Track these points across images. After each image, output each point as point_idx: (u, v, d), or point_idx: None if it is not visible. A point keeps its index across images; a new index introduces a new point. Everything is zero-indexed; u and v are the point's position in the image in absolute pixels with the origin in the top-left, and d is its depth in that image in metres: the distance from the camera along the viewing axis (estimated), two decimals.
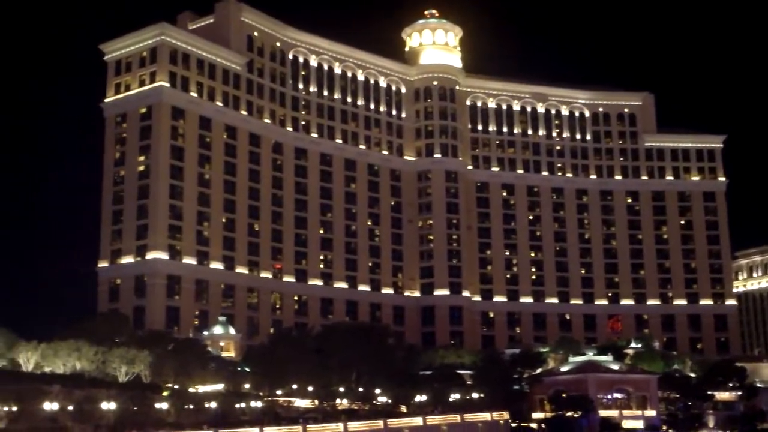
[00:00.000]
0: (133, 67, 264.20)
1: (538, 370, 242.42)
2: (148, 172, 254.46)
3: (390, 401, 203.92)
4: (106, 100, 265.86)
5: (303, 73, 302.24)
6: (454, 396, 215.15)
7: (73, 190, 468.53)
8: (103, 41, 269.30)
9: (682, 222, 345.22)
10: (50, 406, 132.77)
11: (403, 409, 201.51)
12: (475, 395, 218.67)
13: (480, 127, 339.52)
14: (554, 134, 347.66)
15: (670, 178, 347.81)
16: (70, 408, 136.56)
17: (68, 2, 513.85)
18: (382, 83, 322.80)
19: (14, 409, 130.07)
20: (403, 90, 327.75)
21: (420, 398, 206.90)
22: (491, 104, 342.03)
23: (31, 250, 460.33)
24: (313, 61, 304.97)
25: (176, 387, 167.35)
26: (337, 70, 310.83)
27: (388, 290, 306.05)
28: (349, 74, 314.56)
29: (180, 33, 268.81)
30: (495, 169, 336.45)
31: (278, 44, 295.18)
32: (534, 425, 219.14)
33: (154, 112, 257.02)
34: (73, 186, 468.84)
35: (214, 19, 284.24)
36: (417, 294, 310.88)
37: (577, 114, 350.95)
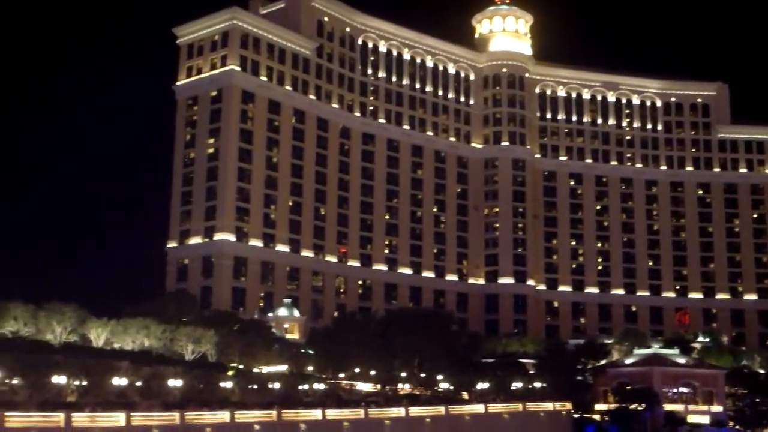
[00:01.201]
0: (205, 50, 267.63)
1: (602, 362, 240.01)
2: (218, 155, 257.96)
3: (452, 388, 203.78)
4: (177, 83, 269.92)
5: (372, 58, 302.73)
6: (516, 385, 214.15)
7: (145, 171, 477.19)
8: (175, 25, 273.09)
9: (755, 215, 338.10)
10: (119, 381, 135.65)
11: (465, 396, 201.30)
12: (537, 385, 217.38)
13: (549, 116, 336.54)
14: (624, 124, 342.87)
15: (743, 170, 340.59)
16: (138, 384, 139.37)
17: None
18: (451, 70, 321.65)
19: (84, 383, 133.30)
20: (472, 77, 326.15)
21: (482, 386, 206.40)
22: (561, 92, 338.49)
23: (102, 229, 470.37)
24: (383, 47, 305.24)
25: (241, 367, 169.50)
26: (406, 56, 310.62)
27: (452, 277, 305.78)
28: (418, 60, 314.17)
29: (251, 17, 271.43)
30: (563, 158, 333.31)
31: (348, 29, 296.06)
32: (597, 417, 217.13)
33: (224, 95, 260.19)
34: (145, 167, 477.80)
35: (285, 3, 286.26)
36: (481, 281, 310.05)
37: (648, 103, 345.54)
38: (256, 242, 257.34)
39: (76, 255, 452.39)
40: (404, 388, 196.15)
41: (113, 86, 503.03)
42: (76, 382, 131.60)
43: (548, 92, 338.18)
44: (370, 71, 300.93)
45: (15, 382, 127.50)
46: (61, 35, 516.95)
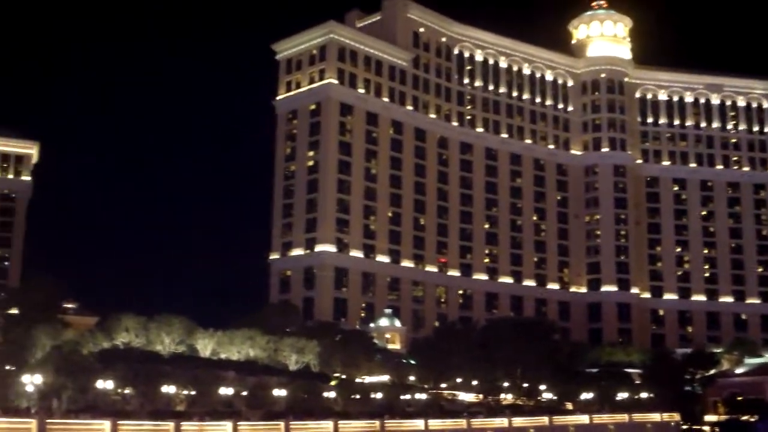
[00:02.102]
0: (303, 65, 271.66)
1: (712, 372, 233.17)
2: (317, 167, 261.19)
3: (555, 398, 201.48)
4: (277, 98, 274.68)
5: (468, 67, 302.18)
6: (622, 395, 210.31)
7: (247, 184, 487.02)
8: (275, 41, 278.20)
9: None
10: (225, 391, 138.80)
11: (569, 406, 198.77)
12: (643, 395, 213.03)
13: (650, 120, 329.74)
14: (729, 126, 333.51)
15: None
16: (244, 393, 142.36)
17: (244, 4, 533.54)
18: (549, 76, 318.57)
19: (192, 392, 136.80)
20: (570, 83, 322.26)
21: (586, 396, 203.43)
22: (662, 96, 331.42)
23: (208, 242, 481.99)
24: (479, 56, 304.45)
25: (343, 377, 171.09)
26: (503, 64, 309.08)
27: (553, 286, 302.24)
28: (515, 68, 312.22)
29: (348, 31, 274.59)
30: (666, 163, 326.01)
31: (444, 39, 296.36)
32: (706, 428, 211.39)
33: (323, 108, 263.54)
34: (247, 180, 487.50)
35: (381, 16, 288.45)
36: (583, 290, 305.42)
37: (754, 105, 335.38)
38: (357, 253, 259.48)
39: (184, 268, 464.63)
40: (507, 398, 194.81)
41: (216, 101, 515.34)
42: (185, 392, 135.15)
43: (649, 96, 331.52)
44: (466, 80, 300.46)
45: (127, 391, 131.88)
46: (167, 54, 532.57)
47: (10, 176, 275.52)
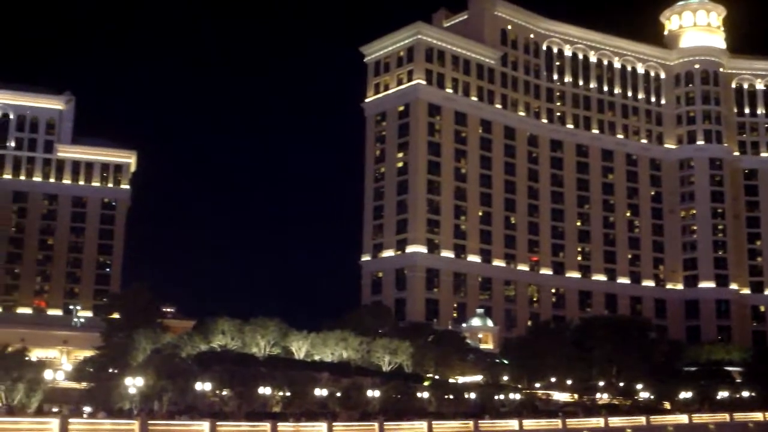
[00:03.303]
0: (391, 66, 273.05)
1: None
2: (407, 168, 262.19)
3: (652, 397, 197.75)
4: (366, 100, 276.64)
5: (557, 63, 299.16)
6: (722, 394, 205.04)
7: (338, 186, 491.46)
8: (363, 44, 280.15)
9: None
10: (320, 392, 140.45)
11: (667, 405, 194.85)
12: (745, 394, 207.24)
13: (747, 111, 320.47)
14: None
15: None
16: (338, 394, 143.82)
17: (332, 9, 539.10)
18: (640, 69, 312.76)
19: (288, 394, 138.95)
20: (662, 75, 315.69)
21: (684, 395, 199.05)
22: (760, 86, 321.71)
23: (301, 245, 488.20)
24: (568, 51, 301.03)
25: (436, 377, 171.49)
26: (593, 58, 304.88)
27: (648, 283, 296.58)
28: (605, 62, 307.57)
29: (435, 31, 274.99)
30: (765, 154, 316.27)
31: (532, 36, 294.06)
32: None
33: (411, 109, 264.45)
34: (338, 183, 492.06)
35: (468, 15, 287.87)
36: (680, 286, 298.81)
37: None
38: (448, 253, 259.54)
39: (277, 271, 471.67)
40: (602, 397, 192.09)
41: (306, 104, 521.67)
42: (280, 393, 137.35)
43: (745, 86, 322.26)
44: (555, 77, 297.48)
45: (224, 393, 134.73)
46: (258, 59, 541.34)
47: (110, 185, 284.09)
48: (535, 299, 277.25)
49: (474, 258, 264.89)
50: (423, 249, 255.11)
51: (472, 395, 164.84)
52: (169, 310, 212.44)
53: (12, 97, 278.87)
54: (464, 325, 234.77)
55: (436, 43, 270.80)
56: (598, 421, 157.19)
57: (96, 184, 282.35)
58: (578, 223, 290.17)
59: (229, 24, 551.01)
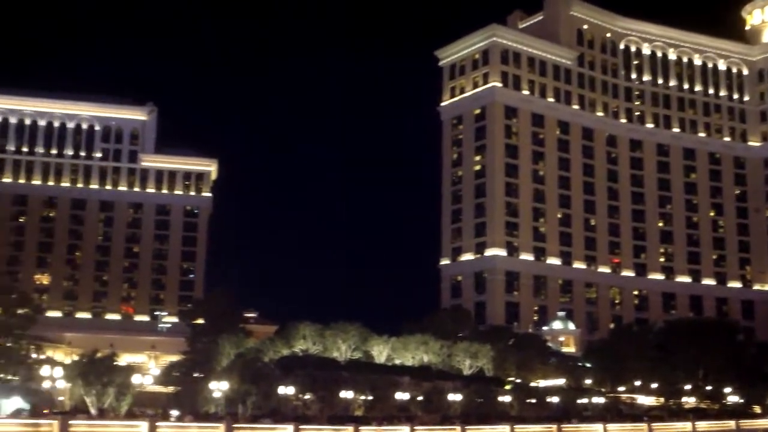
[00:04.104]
0: (467, 69, 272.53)
1: None
2: (484, 171, 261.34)
3: (741, 401, 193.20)
4: (442, 104, 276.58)
5: (635, 62, 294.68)
6: None
7: (415, 190, 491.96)
8: (437, 48, 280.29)
9: None
10: (401, 396, 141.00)
11: (757, 409, 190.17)
12: None
13: None
14: None
15: None
16: (419, 398, 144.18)
17: (406, 13, 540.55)
18: (721, 66, 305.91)
19: (369, 397, 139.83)
20: (745, 72, 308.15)
21: None
22: None
23: (379, 250, 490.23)
24: (646, 49, 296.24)
25: (518, 381, 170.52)
26: (672, 56, 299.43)
27: (735, 284, 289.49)
28: (685, 59, 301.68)
29: (510, 33, 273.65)
30: None
31: (609, 35, 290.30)
32: None
33: (488, 112, 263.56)
34: (415, 187, 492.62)
35: (544, 15, 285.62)
36: None
37: None
38: (527, 256, 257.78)
39: (356, 275, 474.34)
40: (688, 401, 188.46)
41: (382, 109, 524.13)
42: (362, 397, 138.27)
43: None
44: (634, 75, 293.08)
45: (307, 397, 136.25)
46: (334, 64, 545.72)
47: (192, 193, 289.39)
48: (617, 301, 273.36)
49: (554, 260, 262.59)
50: (502, 252, 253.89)
51: (555, 399, 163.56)
52: (251, 315, 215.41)
53: (97, 109, 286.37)
54: (545, 328, 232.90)
55: (511, 45, 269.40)
56: (685, 426, 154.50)
57: (179, 192, 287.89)
58: (660, 224, 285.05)
59: (304, 31, 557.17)
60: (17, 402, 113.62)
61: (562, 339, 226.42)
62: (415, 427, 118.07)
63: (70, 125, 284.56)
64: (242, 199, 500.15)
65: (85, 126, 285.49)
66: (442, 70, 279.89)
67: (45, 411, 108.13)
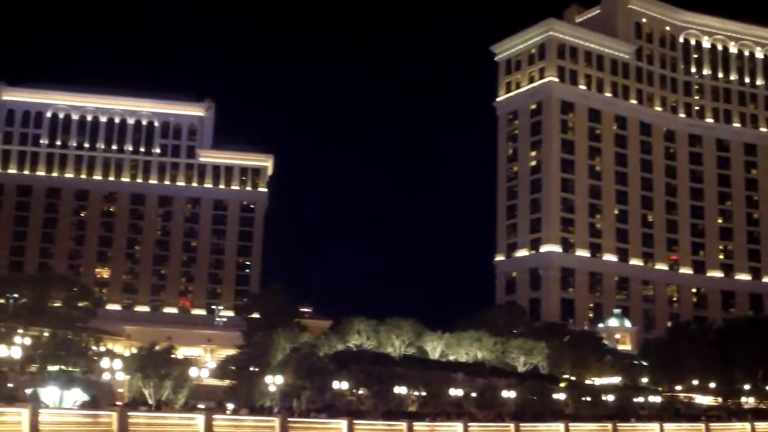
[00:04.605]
0: (523, 64, 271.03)
1: None
2: (540, 167, 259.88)
3: None
4: (498, 99, 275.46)
5: (695, 56, 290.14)
6: None
7: (470, 186, 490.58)
8: (493, 42, 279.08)
9: None
10: (455, 392, 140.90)
11: None
12: None
13: None
14: None
15: None
16: (473, 395, 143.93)
17: (461, 8, 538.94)
18: None
19: (423, 393, 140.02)
20: None
21: None
22: None
23: (434, 245, 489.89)
24: (706, 43, 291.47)
25: (573, 378, 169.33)
26: (733, 49, 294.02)
27: None
28: (746, 53, 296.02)
29: (567, 27, 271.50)
30: None
31: (668, 28, 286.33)
32: None
33: (543, 107, 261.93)
34: (470, 182, 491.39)
35: (601, 9, 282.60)
36: None
37: None
38: (583, 252, 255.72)
39: (411, 271, 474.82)
40: (748, 402, 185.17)
41: (437, 105, 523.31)
42: (416, 393, 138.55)
43: None
44: (693, 69, 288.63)
45: (361, 392, 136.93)
46: (388, 59, 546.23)
47: (249, 188, 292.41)
48: (674, 299, 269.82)
49: (610, 257, 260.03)
50: (557, 248, 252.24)
51: (610, 397, 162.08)
52: (306, 310, 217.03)
53: (157, 105, 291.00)
54: (601, 325, 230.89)
55: (568, 39, 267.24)
56: (744, 426, 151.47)
57: (235, 187, 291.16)
58: (719, 221, 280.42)
59: (360, 25, 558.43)
60: (77, 393, 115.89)
61: (618, 337, 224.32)
62: (469, 424, 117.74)
63: (131, 121, 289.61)
64: (297, 194, 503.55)
65: (144, 122, 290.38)
66: (498, 65, 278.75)
67: (117, 403, 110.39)
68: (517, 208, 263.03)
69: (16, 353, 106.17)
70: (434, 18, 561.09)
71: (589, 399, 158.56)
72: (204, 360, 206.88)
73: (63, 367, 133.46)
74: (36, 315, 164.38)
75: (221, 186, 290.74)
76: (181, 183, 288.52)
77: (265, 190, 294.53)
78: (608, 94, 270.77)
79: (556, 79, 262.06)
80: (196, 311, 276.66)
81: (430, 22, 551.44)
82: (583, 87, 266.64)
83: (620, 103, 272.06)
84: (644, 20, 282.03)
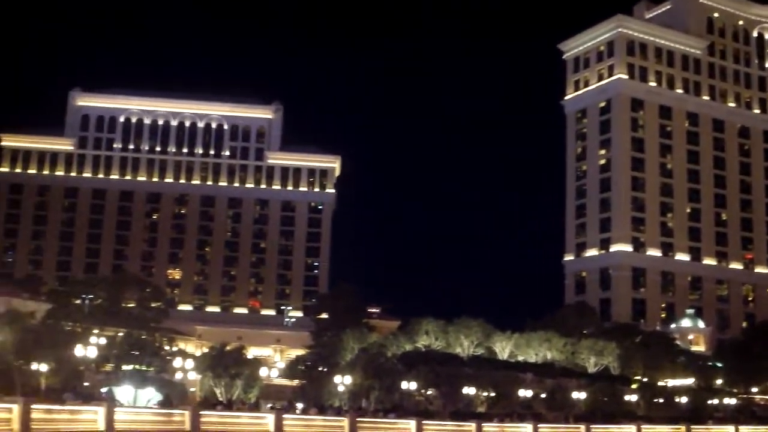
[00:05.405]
0: (591, 62, 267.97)
1: None
2: (610, 165, 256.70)
3: None
4: (566, 98, 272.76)
5: None
6: None
7: (538, 186, 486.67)
8: (560, 40, 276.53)
9: None
10: (524, 393, 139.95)
11: None
12: None
13: None
14: None
15: None
16: (543, 396, 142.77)
17: (527, 6, 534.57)
18: None
19: (492, 394, 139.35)
20: None
21: None
22: None
23: (501, 245, 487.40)
24: None
25: (645, 380, 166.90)
26: None
27: None
28: None
29: (637, 23, 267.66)
30: None
31: (741, 23, 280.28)
32: None
33: (613, 105, 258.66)
34: (538, 182, 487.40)
35: (671, 4, 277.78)
36: None
37: None
38: (654, 252, 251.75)
39: (478, 270, 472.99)
40: None
41: (503, 104, 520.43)
42: (485, 393, 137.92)
43: None
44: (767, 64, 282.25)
45: (429, 392, 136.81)
46: (456, 57, 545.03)
47: (316, 189, 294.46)
48: (750, 299, 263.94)
49: (682, 256, 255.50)
50: (628, 248, 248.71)
51: (683, 399, 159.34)
52: (374, 310, 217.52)
53: (226, 108, 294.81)
54: (673, 325, 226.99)
55: (637, 35, 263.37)
56: None
57: (303, 188, 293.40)
58: None
59: (422, 28, 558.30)
60: (151, 392, 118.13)
61: (691, 337, 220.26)
62: (539, 425, 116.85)
63: (201, 125, 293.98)
64: (365, 195, 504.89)
65: (214, 125, 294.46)
66: (566, 63, 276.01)
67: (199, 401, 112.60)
68: (587, 207, 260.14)
69: (92, 353, 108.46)
70: (499, 16, 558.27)
71: (661, 401, 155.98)
72: (273, 360, 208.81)
73: (137, 366, 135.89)
74: (111, 315, 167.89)
75: (289, 187, 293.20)
76: (250, 185, 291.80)
77: (333, 190, 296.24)
78: (679, 91, 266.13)
79: (625, 77, 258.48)
80: (265, 312, 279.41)
81: (495, 21, 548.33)
82: (653, 84, 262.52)
83: (692, 100, 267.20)
84: (716, 15, 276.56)
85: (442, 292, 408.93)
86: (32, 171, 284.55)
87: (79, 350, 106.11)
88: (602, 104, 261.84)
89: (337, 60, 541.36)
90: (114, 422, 74.38)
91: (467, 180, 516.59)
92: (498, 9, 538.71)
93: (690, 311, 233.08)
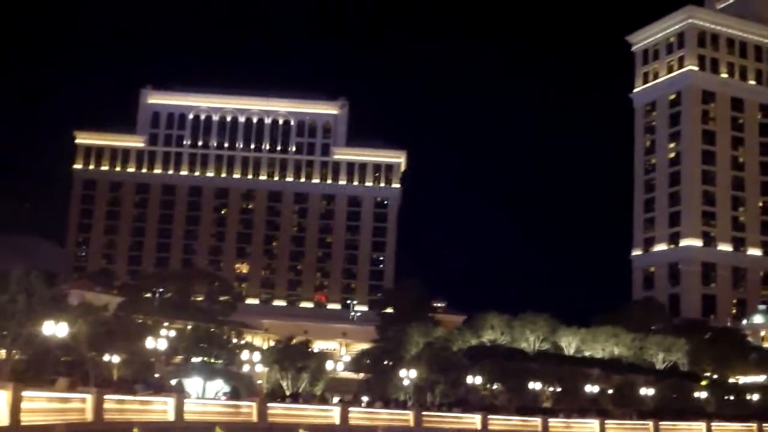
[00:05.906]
0: (661, 54, 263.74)
1: None
2: (679, 159, 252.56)
3: None
4: (634, 90, 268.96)
5: None
6: None
7: (605, 179, 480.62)
8: (628, 33, 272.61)
9: None
10: (591, 388, 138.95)
11: None
12: None
13: None
14: None
15: None
16: (610, 392, 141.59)
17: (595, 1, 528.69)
18: None
19: (558, 389, 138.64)
20: None
21: None
22: None
23: (568, 240, 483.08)
24: None
25: (715, 377, 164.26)
26: None
27: None
28: None
29: (708, 13, 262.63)
30: None
31: None
32: None
33: (683, 97, 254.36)
34: (605, 176, 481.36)
35: None
36: None
37: None
38: (725, 247, 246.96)
39: (545, 265, 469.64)
40: None
41: (570, 97, 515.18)
42: (551, 389, 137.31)
43: None
44: None
45: (495, 387, 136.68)
46: (526, 53, 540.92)
47: (382, 184, 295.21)
48: None
49: (754, 251, 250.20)
50: (698, 242, 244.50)
51: (755, 397, 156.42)
52: (439, 304, 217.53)
53: (293, 104, 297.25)
54: (745, 322, 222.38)
55: (708, 26, 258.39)
56: None
57: (369, 184, 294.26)
58: None
59: (488, 24, 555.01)
60: (219, 384, 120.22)
61: (763, 334, 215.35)
62: (606, 421, 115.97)
63: (267, 121, 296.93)
64: (430, 190, 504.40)
65: (281, 121, 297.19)
66: (635, 55, 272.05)
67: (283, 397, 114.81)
68: (655, 201, 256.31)
69: (162, 345, 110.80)
70: (568, 8, 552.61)
71: (732, 398, 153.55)
72: (339, 353, 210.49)
73: (205, 358, 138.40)
74: (180, 309, 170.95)
75: (355, 183, 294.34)
76: (316, 180, 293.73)
77: (398, 186, 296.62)
78: (752, 82, 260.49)
79: (696, 68, 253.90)
80: (331, 306, 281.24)
81: (566, 14, 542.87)
82: (725, 75, 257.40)
83: (765, 91, 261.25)
84: None
85: (508, 286, 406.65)
86: (105, 168, 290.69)
87: (149, 342, 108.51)
88: (672, 96, 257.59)
89: (405, 57, 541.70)
90: (183, 413, 76.04)
91: (534, 174, 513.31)
92: (561, 5, 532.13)
93: (762, 307, 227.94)
